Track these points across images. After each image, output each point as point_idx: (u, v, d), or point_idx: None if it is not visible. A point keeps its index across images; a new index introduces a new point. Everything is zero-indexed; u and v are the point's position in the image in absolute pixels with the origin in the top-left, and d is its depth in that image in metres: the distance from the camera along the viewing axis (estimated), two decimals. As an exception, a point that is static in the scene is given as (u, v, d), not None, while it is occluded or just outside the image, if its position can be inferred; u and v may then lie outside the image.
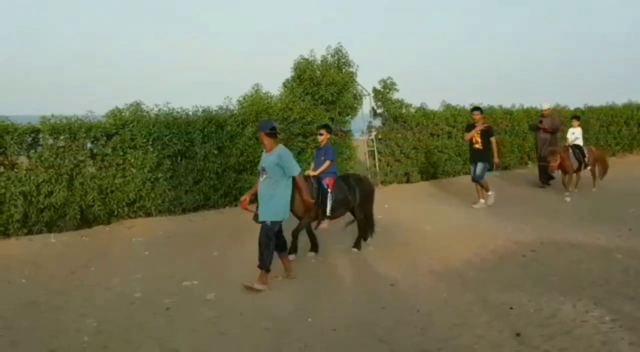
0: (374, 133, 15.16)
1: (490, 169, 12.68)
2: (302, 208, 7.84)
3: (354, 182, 8.81)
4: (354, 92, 14.56)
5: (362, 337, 5.51)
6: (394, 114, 15.50)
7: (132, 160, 11.06)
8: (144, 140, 11.21)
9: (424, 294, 6.73)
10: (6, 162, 9.73)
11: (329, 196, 8.27)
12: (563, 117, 17.96)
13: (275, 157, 6.88)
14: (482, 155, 12.23)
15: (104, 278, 7.64)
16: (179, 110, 12.05)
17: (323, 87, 13.72)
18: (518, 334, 5.45)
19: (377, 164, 15.16)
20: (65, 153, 10.33)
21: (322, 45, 25.37)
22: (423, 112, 16.18)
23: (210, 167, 11.99)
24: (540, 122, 15.24)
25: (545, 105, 15.55)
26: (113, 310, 6.45)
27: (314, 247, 8.64)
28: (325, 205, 8.23)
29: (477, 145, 12.29)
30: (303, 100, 13.61)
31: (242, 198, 7.47)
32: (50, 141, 10.23)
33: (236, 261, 8.32)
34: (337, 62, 14.33)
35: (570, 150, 13.78)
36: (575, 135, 14.49)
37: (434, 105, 16.92)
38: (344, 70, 14.35)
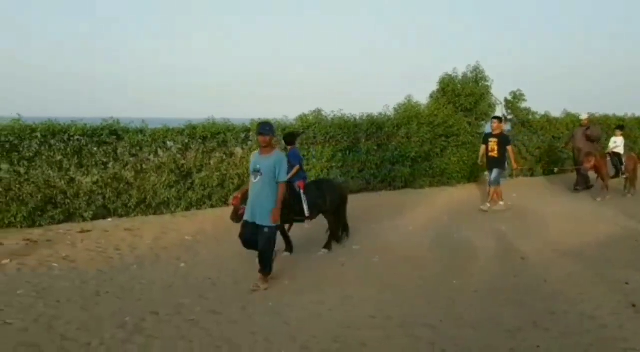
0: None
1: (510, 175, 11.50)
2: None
3: (326, 188, 7.47)
4: (489, 101, 14.33)
5: (498, 298, 5.53)
6: (522, 120, 15.05)
7: (314, 153, 11.68)
8: (323, 138, 11.77)
9: (550, 268, 6.56)
10: (227, 152, 10.64)
11: (303, 197, 7.00)
12: (601, 127, 14.47)
13: (274, 160, 5.63)
14: (498, 162, 10.38)
15: (294, 237, 8.05)
16: (349, 115, 12.46)
17: (463, 97, 13.69)
18: (634, 305, 5.23)
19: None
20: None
21: (462, 63, 24.87)
22: (547, 119, 15.52)
23: (371, 160, 12.32)
24: (587, 128, 12.59)
25: (584, 115, 13.16)
26: (303, 265, 6.75)
27: (289, 248, 7.27)
28: (302, 207, 6.97)
29: (492, 153, 10.38)
30: (446, 108, 13.56)
31: (235, 195, 6.51)
32: (257, 137, 10.99)
33: (392, 234, 8.49)
34: (475, 77, 14.15)
35: (609, 158, 11.83)
36: (617, 144, 12.27)
37: (556, 112, 16.14)
38: (480, 83, 14.16)
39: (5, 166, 8.63)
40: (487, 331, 4.67)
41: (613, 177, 11.86)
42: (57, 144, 8.98)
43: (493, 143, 10.39)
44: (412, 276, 6.24)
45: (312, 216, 7.15)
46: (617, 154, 12.10)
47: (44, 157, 8.90)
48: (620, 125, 13.26)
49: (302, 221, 7.12)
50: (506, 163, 10.67)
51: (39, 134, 8.76)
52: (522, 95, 15.00)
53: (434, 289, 5.78)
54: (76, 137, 9.14)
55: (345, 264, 6.76)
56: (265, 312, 5.06)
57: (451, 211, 10.21)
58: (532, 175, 15.24)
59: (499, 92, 14.98)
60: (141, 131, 9.81)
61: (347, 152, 12.15)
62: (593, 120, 14.13)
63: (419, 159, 12.90)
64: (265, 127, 5.72)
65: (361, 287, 5.80)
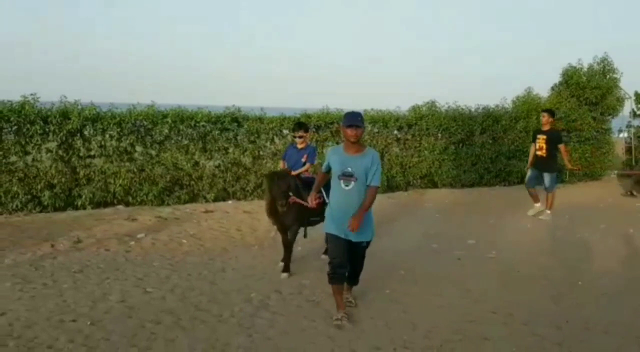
0: (632, 131, 13.71)
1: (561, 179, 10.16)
2: (295, 215, 5.64)
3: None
4: (617, 95, 13.33)
5: (629, 302, 5.16)
6: (653, 116, 13.85)
7: (426, 144, 11.54)
8: (436, 130, 11.60)
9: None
10: (339, 141, 10.75)
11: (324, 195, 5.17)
12: None
13: (369, 160, 4.39)
14: (547, 163, 8.82)
15: (407, 229, 8.11)
16: (464, 107, 12.16)
17: (588, 90, 12.82)
18: None
19: (632, 159, 13.71)
20: (378, 137, 11.15)
21: (589, 54, 23.35)
22: (681, 114, 14.16)
23: (485, 153, 11.98)
24: None
25: None
26: (417, 256, 6.68)
27: (288, 266, 5.82)
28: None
29: (540, 153, 8.79)
30: (569, 102, 12.82)
31: (314, 196, 4.85)
32: (369, 127, 11.08)
33: (509, 229, 8.21)
34: (602, 69, 13.21)
35: None
36: None
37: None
38: (608, 76, 13.19)
39: (139, 148, 9.35)
40: (617, 335, 4.39)
41: None
42: (185, 130, 9.57)
43: (541, 141, 8.82)
44: (532, 275, 6.00)
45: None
46: None
47: (172, 141, 9.53)
48: None
49: (319, 221, 5.72)
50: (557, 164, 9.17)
51: (169, 120, 9.38)
52: (654, 89, 13.78)
53: (558, 290, 5.52)
54: (202, 124, 9.69)
55: (462, 258, 6.63)
56: (382, 299, 5.10)
57: (572, 209, 9.66)
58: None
59: (629, 85, 13.92)
60: (259, 119, 10.19)
61: (460, 145, 11.88)
62: None
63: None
64: (356, 117, 4.37)
65: (480, 282, 5.66)
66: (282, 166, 6.40)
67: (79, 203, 8.70)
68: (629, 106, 13.74)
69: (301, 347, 4.02)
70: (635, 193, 11.32)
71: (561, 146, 8.86)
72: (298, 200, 5.41)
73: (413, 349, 4.02)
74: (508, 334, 4.35)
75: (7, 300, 4.73)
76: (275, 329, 4.31)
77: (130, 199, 9.15)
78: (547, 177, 8.87)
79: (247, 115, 10.16)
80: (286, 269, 5.75)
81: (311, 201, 4.83)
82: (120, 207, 8.93)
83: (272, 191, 5.48)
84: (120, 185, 8.97)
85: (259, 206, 9.27)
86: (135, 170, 9.17)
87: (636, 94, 13.92)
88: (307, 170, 6.30)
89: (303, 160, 6.28)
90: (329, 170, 4.64)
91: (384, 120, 11.12)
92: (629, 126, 13.90)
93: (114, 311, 4.58)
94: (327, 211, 4.61)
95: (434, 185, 11.69)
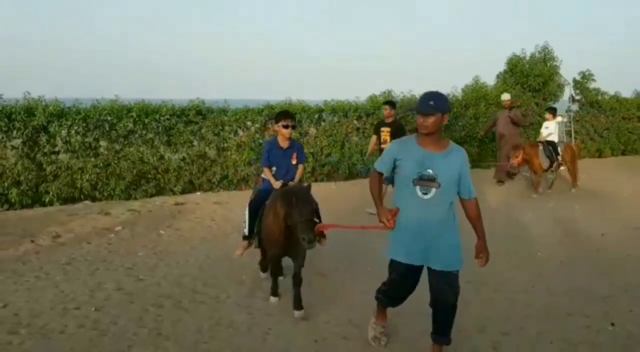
0: (572, 115, 14.67)
1: None
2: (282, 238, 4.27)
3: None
4: (558, 82, 14.28)
5: (584, 269, 5.75)
6: (590, 101, 14.89)
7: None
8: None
9: (632, 244, 6.72)
10: (302, 132, 11.09)
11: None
12: (525, 110, 13.02)
13: (458, 160, 3.30)
14: None
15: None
16: (418, 95, 12.68)
17: (531, 78, 13.70)
18: None
19: (573, 142, 14.67)
20: (339, 126, 11.52)
21: (531, 43, 24.54)
22: (616, 99, 15.29)
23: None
24: (510, 110, 10.86)
25: (505, 95, 11.21)
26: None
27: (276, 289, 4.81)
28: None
29: (385, 146, 8.09)
30: (514, 89, 13.62)
31: (392, 212, 3.36)
32: (330, 118, 11.44)
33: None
34: (543, 57, 14.11)
35: (541, 147, 10.01)
36: (549, 130, 10.58)
37: (627, 93, 15.92)
38: (549, 64, 14.11)
39: (104, 143, 9.35)
40: (579, 297, 4.93)
41: (546, 170, 10.13)
42: (150, 123, 9.63)
43: (385, 133, 8.31)
44: (497, 249, 6.52)
45: None
46: (551, 143, 10.28)
47: (137, 135, 9.58)
48: (551, 107, 11.41)
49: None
50: None
51: (134, 114, 9.42)
52: (591, 75, 14.81)
53: (521, 260, 6.07)
54: (166, 117, 9.77)
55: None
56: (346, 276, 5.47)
57: (520, 192, 10.37)
58: (599, 156, 15.06)
59: (568, 72, 14.88)
60: (224, 111, 10.37)
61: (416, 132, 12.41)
62: (516, 101, 12.07)
63: (486, 139, 13.02)
64: (426, 101, 3.24)
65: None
66: (268, 174, 4.88)
67: (47, 200, 8.66)
68: (568, 92, 14.70)
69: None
70: (503, 180, 11.11)
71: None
72: (336, 225, 4.21)
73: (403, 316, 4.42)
74: (485, 300, 4.82)
75: (4, 293, 4.82)
76: (273, 307, 4.61)
77: (97, 194, 9.17)
78: None
79: (211, 107, 10.31)
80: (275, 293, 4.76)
81: (388, 221, 3.34)
82: (88, 202, 8.94)
83: (291, 218, 3.98)
84: (87, 180, 8.98)
85: (228, 197, 9.52)
86: (101, 165, 9.17)
87: (575, 80, 14.91)
88: (301, 175, 5.08)
89: (294, 162, 4.97)
90: (389, 169, 3.42)
91: (344, 110, 11.50)
92: (568, 111, 14.82)
93: (114, 298, 4.76)
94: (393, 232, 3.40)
95: (393, 171, 12.20)
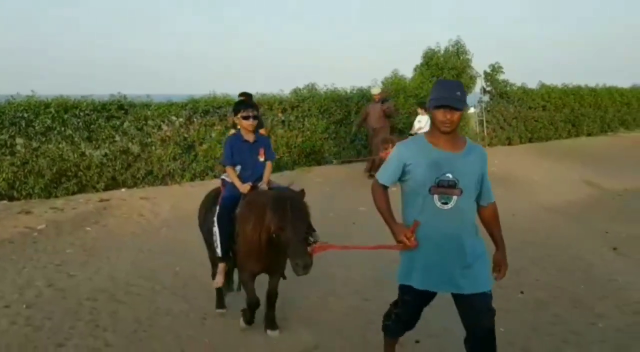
0: (483, 106, 15.56)
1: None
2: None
3: None
4: (470, 74, 15.05)
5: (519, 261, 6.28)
6: (499, 92, 15.85)
7: (309, 125, 12.27)
8: (317, 111, 12.36)
9: (539, 221, 7.37)
10: (228, 125, 11.01)
11: None
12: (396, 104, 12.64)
13: (478, 160, 2.78)
14: None
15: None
16: (340, 89, 13.05)
17: (446, 70, 14.38)
18: (615, 249, 6.08)
19: (485, 131, 15.62)
20: (264, 120, 11.64)
21: (444, 37, 25.63)
22: (523, 90, 16.36)
23: (362, 131, 12.93)
24: (382, 103, 11.07)
25: (375, 89, 11.49)
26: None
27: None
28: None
29: None
30: (430, 81, 14.26)
31: (406, 229, 2.73)
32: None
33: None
34: (456, 51, 14.86)
35: None
36: (420, 124, 10.66)
37: (532, 84, 17.07)
38: (461, 57, 14.87)
39: (20, 141, 9.00)
40: (548, 292, 5.00)
41: None
42: (69, 119, 9.36)
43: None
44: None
45: None
46: None
47: (56, 132, 9.28)
48: (422, 101, 11.18)
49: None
50: None
51: (52, 110, 9.12)
52: (500, 67, 15.64)
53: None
54: (86, 112, 9.52)
55: (356, 223, 7.42)
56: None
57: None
58: (509, 144, 16.08)
59: (480, 65, 15.73)
60: (147, 105, 10.23)
61: (340, 125, 12.75)
62: (386, 94, 12.00)
63: (406, 130, 13.57)
64: (453, 92, 2.65)
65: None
66: (232, 175, 4.11)
67: (-40, 200, 8.25)
68: (480, 84, 15.57)
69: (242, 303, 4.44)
70: (373, 173, 10.72)
71: (262, 130, 8.09)
72: (342, 247, 3.64)
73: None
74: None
75: None
76: (210, 294, 4.72)
77: (15, 193, 8.82)
78: None
79: (133, 102, 10.14)
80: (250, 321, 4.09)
81: (408, 239, 2.70)
82: (5, 202, 8.59)
83: (284, 235, 3.26)
84: (3, 179, 8.62)
85: (154, 192, 9.43)
86: (18, 163, 8.83)
87: (485, 72, 15.80)
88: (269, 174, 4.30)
89: (261, 158, 4.27)
90: (395, 180, 2.86)
91: (269, 103, 11.64)
92: (479, 102, 15.72)
93: (45, 294, 4.72)
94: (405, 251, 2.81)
95: (318, 163, 12.46)
